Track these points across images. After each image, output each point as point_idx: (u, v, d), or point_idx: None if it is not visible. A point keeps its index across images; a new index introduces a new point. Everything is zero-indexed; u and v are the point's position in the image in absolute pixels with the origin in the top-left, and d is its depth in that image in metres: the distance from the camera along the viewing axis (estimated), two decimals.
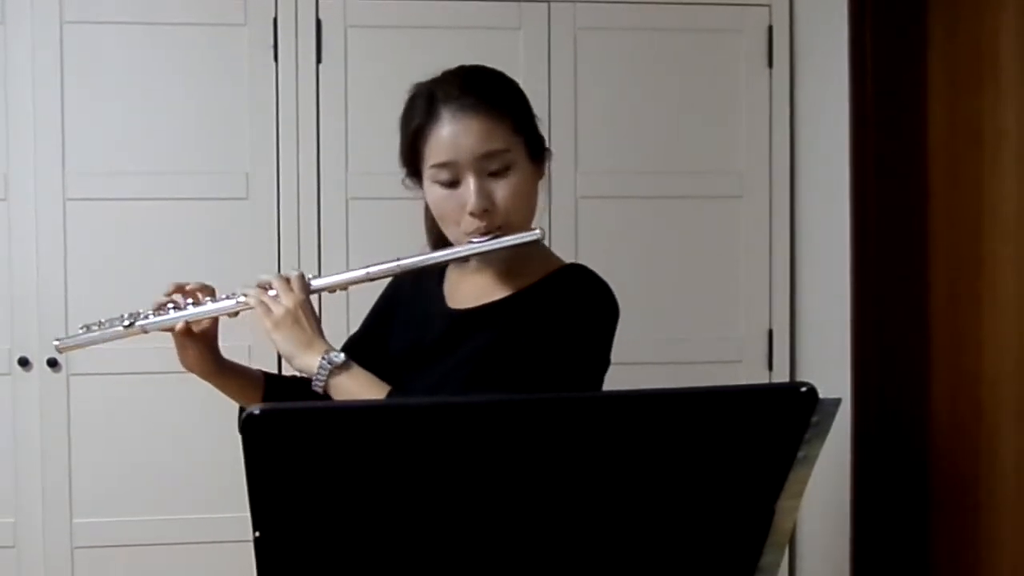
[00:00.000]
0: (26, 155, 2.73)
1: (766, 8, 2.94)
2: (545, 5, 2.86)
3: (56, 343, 1.67)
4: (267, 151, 2.79)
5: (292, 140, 2.79)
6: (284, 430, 1.03)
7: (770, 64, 2.94)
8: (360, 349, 1.72)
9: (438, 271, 1.70)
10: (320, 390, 1.51)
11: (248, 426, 1.00)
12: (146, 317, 1.60)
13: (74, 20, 2.73)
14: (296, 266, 2.75)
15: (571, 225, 2.84)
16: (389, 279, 1.59)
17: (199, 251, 2.77)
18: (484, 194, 1.51)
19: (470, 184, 1.51)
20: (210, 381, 1.67)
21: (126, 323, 1.60)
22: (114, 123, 2.76)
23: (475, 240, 1.53)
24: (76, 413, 2.74)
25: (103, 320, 1.63)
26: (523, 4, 2.85)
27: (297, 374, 1.57)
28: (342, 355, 1.51)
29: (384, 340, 1.72)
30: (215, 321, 1.62)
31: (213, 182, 2.78)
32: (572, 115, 2.86)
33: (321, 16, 2.80)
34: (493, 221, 1.52)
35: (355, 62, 2.81)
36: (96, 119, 2.75)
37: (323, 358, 1.50)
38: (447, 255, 1.58)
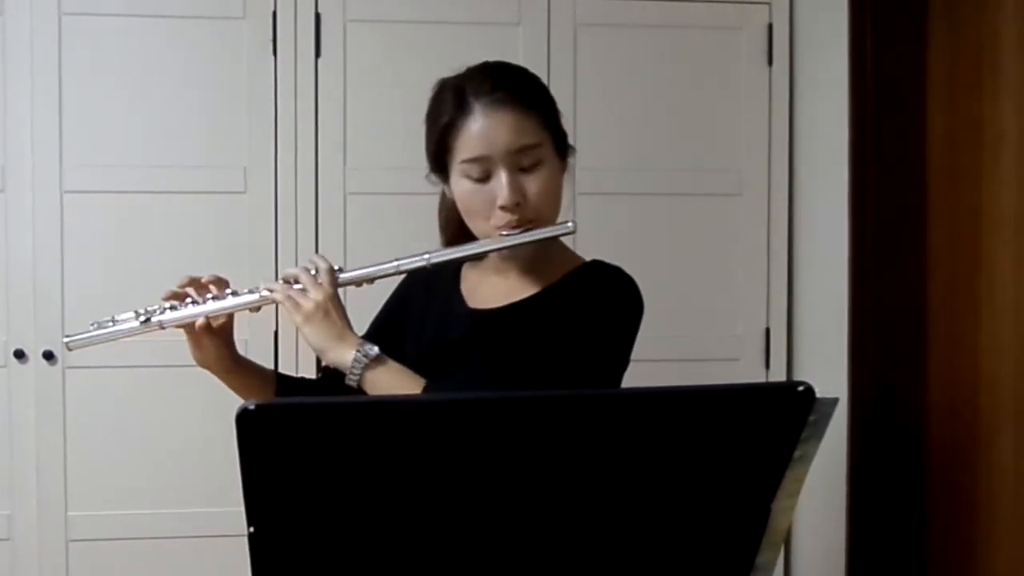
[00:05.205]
0: (23, 147, 2.72)
1: (766, 6, 2.94)
2: (545, 0, 2.86)
3: (66, 340, 1.58)
4: (265, 145, 2.78)
5: (290, 134, 2.79)
6: (279, 426, 1.02)
7: (770, 62, 2.94)
8: None
9: (451, 272, 1.69)
10: (354, 384, 1.48)
11: (243, 421, 1.00)
12: (162, 312, 1.54)
13: (73, 12, 2.72)
14: (293, 261, 2.77)
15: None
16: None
17: (196, 245, 2.76)
18: (516, 188, 1.51)
19: (502, 178, 1.51)
20: (223, 378, 1.63)
21: (141, 319, 1.55)
22: (112, 116, 2.75)
23: (506, 233, 1.53)
24: (72, 406, 2.74)
25: (116, 316, 1.57)
26: None
27: (305, 375, 1.56)
28: (375, 348, 1.49)
29: (397, 342, 1.67)
30: (231, 316, 1.58)
31: (211, 176, 2.78)
32: (571, 112, 2.85)
33: (320, 10, 2.79)
34: (524, 215, 1.53)
35: (354, 57, 2.81)
36: (94, 112, 2.74)
37: (358, 351, 1.48)
38: (478, 248, 1.57)
